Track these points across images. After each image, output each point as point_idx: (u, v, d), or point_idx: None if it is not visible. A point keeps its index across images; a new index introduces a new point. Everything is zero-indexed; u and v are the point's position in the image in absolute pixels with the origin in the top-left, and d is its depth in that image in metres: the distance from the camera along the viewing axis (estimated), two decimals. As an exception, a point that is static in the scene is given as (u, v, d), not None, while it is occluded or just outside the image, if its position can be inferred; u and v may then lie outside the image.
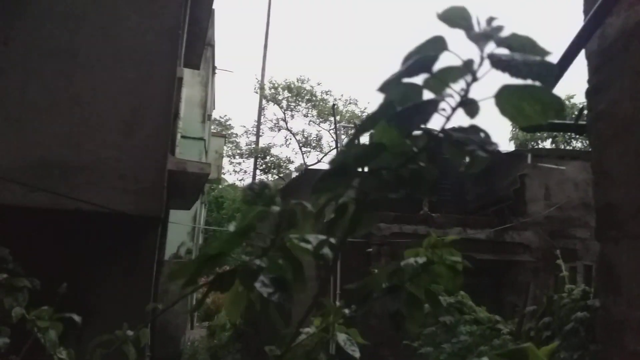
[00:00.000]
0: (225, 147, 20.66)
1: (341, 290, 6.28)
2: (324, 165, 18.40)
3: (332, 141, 19.91)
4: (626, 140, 1.71)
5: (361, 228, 0.62)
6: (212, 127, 19.76)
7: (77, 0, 4.38)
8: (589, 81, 2.15)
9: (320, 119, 20.06)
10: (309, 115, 20.22)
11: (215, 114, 21.58)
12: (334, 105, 15.62)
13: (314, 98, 19.90)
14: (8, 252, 2.01)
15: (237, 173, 22.97)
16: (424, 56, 0.54)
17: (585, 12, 2.07)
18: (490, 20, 0.54)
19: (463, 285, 1.07)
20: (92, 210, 3.89)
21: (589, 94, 2.14)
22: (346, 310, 1.09)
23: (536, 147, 16.63)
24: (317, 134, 20.54)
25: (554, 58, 0.56)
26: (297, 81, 20.00)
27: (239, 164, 22.33)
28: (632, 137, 1.68)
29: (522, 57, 0.52)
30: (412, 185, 0.58)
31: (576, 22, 2.02)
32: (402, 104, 0.54)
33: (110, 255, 4.06)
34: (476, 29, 0.54)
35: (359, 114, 19.81)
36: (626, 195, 1.68)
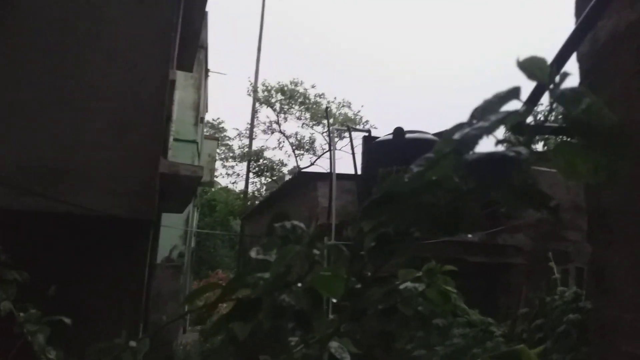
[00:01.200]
0: (218, 150, 20.61)
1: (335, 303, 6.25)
2: (317, 169, 18.37)
3: (325, 144, 19.93)
4: (617, 142, 1.71)
5: (398, 257, 0.64)
6: (205, 130, 19.70)
7: (69, 1, 4.35)
8: (581, 84, 2.16)
9: (314, 122, 20.08)
10: (302, 118, 20.24)
11: (208, 117, 21.54)
12: (327, 107, 15.64)
13: (307, 101, 19.91)
14: None
15: (230, 176, 22.92)
16: (504, 116, 0.56)
17: (577, 14, 2.08)
18: (564, 76, 0.56)
19: (456, 288, 1.09)
20: (83, 214, 3.86)
21: (580, 96, 2.15)
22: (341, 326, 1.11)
23: (528, 150, 16.75)
24: (310, 137, 20.56)
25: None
26: (291, 84, 20.02)
27: (232, 167, 22.31)
28: (623, 140, 1.69)
29: (603, 121, 0.54)
30: (454, 222, 0.60)
31: (568, 24, 2.03)
32: (463, 144, 0.56)
33: (102, 258, 4.03)
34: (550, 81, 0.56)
35: (352, 117, 19.84)
36: (618, 198, 1.68)
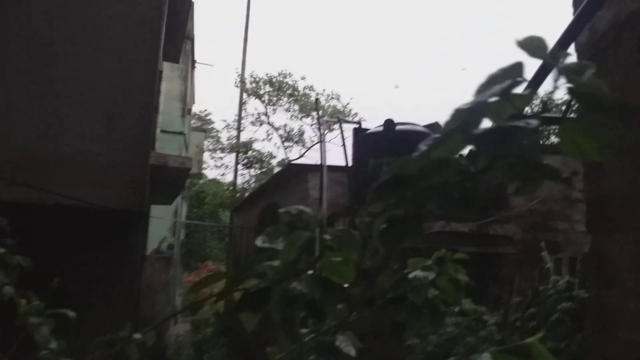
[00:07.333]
0: (206, 142, 20.47)
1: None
2: (307, 161, 18.35)
3: (314, 136, 19.86)
4: (618, 132, 1.71)
5: (409, 240, 0.62)
6: (192, 122, 19.54)
7: (55, -11, 4.25)
8: (579, 74, 2.15)
9: (303, 114, 19.98)
10: (290, 109, 20.12)
11: (195, 108, 21.34)
12: (316, 99, 15.53)
13: (296, 92, 19.79)
14: (6, 223, 1.93)
15: (218, 168, 22.73)
16: (506, 85, 0.55)
17: (575, 4, 2.07)
18: (566, 55, 0.57)
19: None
20: (73, 205, 3.80)
21: (578, 86, 2.14)
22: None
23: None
24: (299, 129, 20.46)
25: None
26: (279, 75, 19.87)
27: (220, 158, 22.13)
28: (623, 129, 1.69)
29: (604, 95, 0.53)
30: (464, 202, 0.59)
31: (567, 14, 2.03)
32: (470, 115, 0.55)
33: (92, 250, 3.98)
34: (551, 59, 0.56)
35: (341, 109, 19.79)
36: (618, 187, 1.69)
